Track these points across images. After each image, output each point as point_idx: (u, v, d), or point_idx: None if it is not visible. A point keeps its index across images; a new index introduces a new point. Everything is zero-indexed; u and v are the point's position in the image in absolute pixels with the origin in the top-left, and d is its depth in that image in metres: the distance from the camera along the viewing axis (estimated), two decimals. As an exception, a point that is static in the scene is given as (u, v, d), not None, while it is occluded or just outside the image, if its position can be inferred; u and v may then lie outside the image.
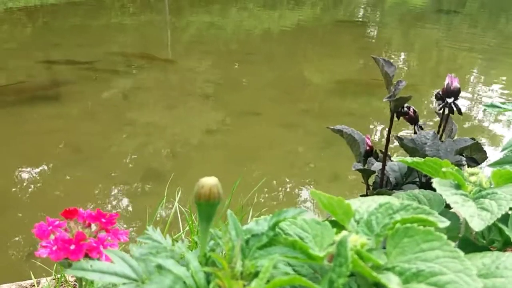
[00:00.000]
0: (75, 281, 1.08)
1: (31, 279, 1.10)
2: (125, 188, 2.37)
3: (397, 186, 0.82)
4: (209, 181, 0.40)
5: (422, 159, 0.58)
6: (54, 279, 1.09)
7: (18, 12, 6.84)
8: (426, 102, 3.90)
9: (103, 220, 0.54)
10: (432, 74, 5.08)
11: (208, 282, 0.39)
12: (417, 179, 0.81)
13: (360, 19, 8.18)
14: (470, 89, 4.51)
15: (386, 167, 0.82)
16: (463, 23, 7.97)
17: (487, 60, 5.46)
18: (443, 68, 5.37)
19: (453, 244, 0.39)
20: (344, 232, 0.44)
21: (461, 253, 0.38)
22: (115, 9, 7.12)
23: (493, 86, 4.45)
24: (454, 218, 0.60)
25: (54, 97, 3.58)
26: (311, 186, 2.42)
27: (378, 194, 0.75)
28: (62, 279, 1.09)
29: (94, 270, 0.38)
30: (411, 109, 0.81)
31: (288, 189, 2.43)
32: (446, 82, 0.79)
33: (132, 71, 4.35)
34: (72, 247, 0.49)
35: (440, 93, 0.80)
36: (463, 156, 0.83)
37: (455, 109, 0.79)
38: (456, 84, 0.79)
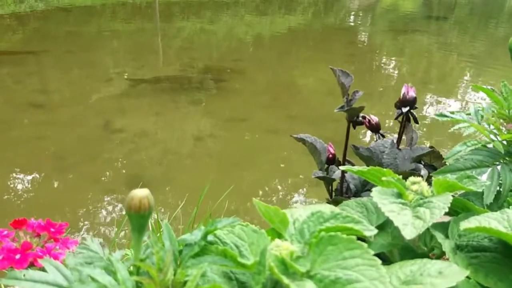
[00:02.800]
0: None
1: None
2: (109, 195, 2.37)
3: (357, 193, 0.83)
4: (139, 193, 0.42)
5: (366, 169, 0.60)
6: None
7: (8, 19, 6.84)
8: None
9: (52, 229, 0.55)
10: (420, 80, 5.12)
11: (138, 291, 0.40)
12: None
13: (351, 25, 8.24)
14: (459, 95, 4.55)
15: (347, 175, 0.84)
16: (452, 29, 8.05)
17: (475, 67, 5.52)
18: (432, 74, 5.41)
19: (372, 252, 0.40)
20: (277, 241, 0.45)
21: (379, 261, 0.40)
22: (106, 15, 7.14)
23: (481, 93, 4.50)
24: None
25: (42, 104, 3.58)
26: (294, 192, 2.43)
27: (334, 201, 0.77)
28: None
29: (27, 279, 0.39)
30: (367, 119, 0.83)
31: (268, 195, 2.44)
32: (402, 92, 0.81)
33: (122, 77, 4.36)
34: (18, 256, 0.50)
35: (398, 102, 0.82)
36: (421, 164, 0.85)
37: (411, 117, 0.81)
38: (412, 93, 0.81)
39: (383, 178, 0.56)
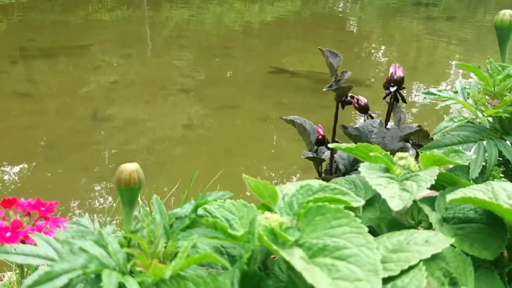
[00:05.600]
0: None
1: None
2: (100, 182, 2.37)
3: (346, 172, 0.84)
4: (129, 167, 0.42)
5: (355, 145, 0.61)
6: (17, 273, 1.09)
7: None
8: (404, 94, 3.95)
9: (42, 208, 0.55)
10: (410, 66, 5.14)
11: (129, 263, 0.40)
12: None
13: (340, 13, 8.23)
14: (449, 81, 4.58)
15: (336, 155, 0.85)
16: (441, 16, 8.07)
17: (464, 53, 5.55)
18: (422, 61, 5.44)
19: (359, 220, 0.41)
20: (266, 213, 0.46)
21: (366, 229, 0.40)
22: (93, 4, 7.03)
23: (470, 79, 4.54)
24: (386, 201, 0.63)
25: (29, 94, 3.54)
26: (285, 177, 2.45)
27: (323, 180, 0.77)
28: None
29: (18, 253, 0.40)
30: (355, 99, 0.84)
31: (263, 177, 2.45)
32: (390, 71, 0.82)
33: (112, 66, 4.32)
34: (8, 234, 0.50)
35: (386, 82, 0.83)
36: (409, 142, 0.86)
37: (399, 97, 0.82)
38: (400, 73, 0.82)
39: (371, 154, 0.57)
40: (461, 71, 4.96)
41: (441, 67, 5.09)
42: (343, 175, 0.86)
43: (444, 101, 0.73)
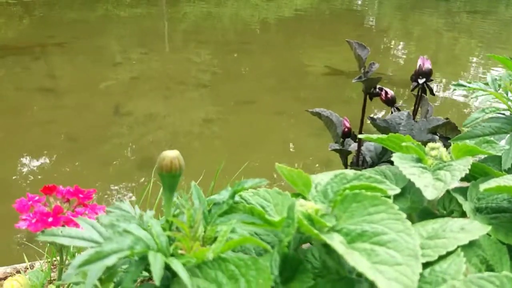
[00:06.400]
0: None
1: (25, 262, 1.14)
2: (122, 176, 2.40)
3: (373, 165, 0.84)
4: (170, 154, 0.43)
5: (386, 136, 0.61)
6: (47, 261, 1.12)
7: (13, 7, 6.84)
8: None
9: (81, 195, 0.57)
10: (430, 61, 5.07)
11: (171, 245, 0.42)
12: (391, 158, 0.84)
13: (359, 8, 8.15)
14: (470, 76, 4.51)
15: (362, 147, 0.85)
16: (462, 9, 7.93)
17: (485, 48, 5.45)
18: (441, 56, 5.36)
19: (397, 207, 0.42)
20: (301, 200, 0.47)
21: (404, 215, 0.41)
22: (111, 1, 7.11)
23: (491, 73, 4.45)
24: (418, 191, 0.63)
25: (52, 89, 3.60)
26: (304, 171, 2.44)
27: (351, 171, 0.78)
28: (55, 262, 1.12)
29: (64, 235, 0.41)
30: (383, 91, 0.84)
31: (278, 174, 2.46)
32: (418, 64, 0.81)
33: (131, 62, 4.37)
34: (50, 219, 0.52)
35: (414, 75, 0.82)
36: (436, 135, 0.85)
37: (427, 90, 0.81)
38: (428, 65, 0.81)
39: (403, 144, 0.57)
40: (481, 65, 4.87)
41: (461, 61, 5.01)
42: (370, 167, 0.86)
43: (472, 93, 0.73)
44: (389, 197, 0.46)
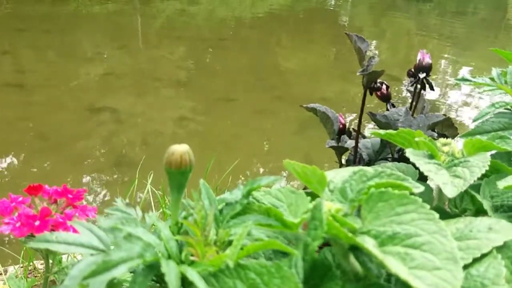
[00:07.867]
0: (44, 268, 1.04)
1: (-3, 267, 1.06)
2: (96, 176, 2.32)
3: (370, 162, 0.82)
4: (180, 148, 0.39)
5: (395, 131, 0.58)
6: (22, 267, 1.05)
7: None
8: (396, 88, 3.95)
9: (70, 196, 0.51)
10: (402, 61, 5.15)
11: (181, 251, 0.37)
12: (390, 156, 0.81)
13: (332, 7, 8.21)
14: (440, 76, 4.59)
15: (359, 144, 0.82)
16: (433, 11, 8.10)
17: (455, 48, 5.57)
18: (413, 55, 5.44)
19: (428, 206, 0.38)
20: (318, 199, 0.43)
21: (436, 215, 0.38)
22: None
23: (461, 73, 4.55)
24: (427, 188, 0.60)
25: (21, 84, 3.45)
26: (282, 170, 2.42)
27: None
28: (30, 267, 1.05)
29: (59, 241, 0.36)
30: (384, 85, 0.81)
31: (262, 171, 2.43)
32: (418, 58, 0.79)
33: (104, 58, 4.24)
34: (37, 223, 0.47)
35: (412, 69, 0.80)
36: (434, 132, 0.83)
37: (427, 85, 0.79)
38: (428, 59, 0.79)
39: (416, 139, 0.55)
40: (451, 65, 4.97)
41: (433, 62, 5.10)
42: (367, 165, 0.84)
43: (478, 89, 0.71)
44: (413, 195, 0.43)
